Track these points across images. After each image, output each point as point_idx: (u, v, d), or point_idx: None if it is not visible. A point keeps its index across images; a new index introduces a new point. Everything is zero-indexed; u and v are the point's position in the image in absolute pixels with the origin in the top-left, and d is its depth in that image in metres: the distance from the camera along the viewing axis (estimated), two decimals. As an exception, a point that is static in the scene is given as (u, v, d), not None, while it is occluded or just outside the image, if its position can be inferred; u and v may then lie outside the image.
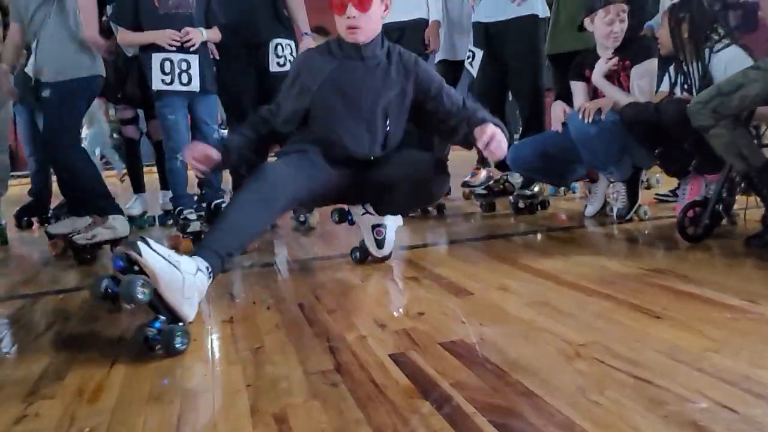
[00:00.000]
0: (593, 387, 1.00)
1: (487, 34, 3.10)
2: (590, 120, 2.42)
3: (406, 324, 1.41)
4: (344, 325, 1.44)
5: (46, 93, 2.48)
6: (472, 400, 0.99)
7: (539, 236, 2.51)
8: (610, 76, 2.58)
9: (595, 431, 0.87)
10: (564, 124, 2.64)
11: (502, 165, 3.17)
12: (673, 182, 2.90)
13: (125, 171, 7.73)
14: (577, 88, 2.72)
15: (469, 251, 2.31)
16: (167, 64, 2.56)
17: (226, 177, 2.95)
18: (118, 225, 2.55)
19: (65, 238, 2.69)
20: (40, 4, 2.47)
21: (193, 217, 2.64)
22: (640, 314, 1.37)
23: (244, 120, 2.04)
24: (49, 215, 3.54)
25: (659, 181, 3.55)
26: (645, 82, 2.51)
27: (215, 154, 1.78)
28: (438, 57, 3.36)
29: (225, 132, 3.37)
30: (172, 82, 2.59)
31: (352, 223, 2.15)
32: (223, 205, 2.67)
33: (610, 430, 0.87)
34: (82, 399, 1.12)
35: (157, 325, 1.32)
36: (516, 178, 3.20)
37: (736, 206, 2.22)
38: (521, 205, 3.02)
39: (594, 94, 2.65)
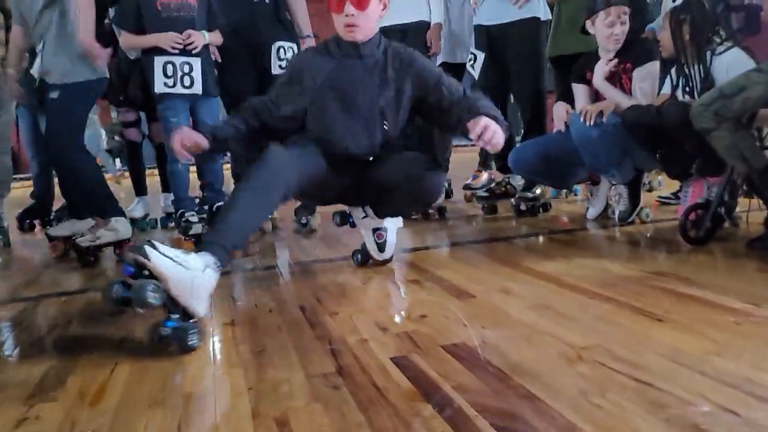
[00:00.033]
0: (595, 390, 1.00)
1: (488, 37, 3.10)
2: (592, 122, 2.42)
3: (408, 327, 1.40)
4: (346, 327, 1.44)
5: (54, 95, 2.47)
6: (473, 403, 0.98)
7: (541, 239, 2.51)
8: (612, 79, 2.58)
9: (597, 435, 0.86)
10: (566, 126, 2.64)
11: (503, 167, 3.18)
12: (675, 185, 2.89)
13: (119, 173, 7.80)
14: (579, 90, 2.72)
15: (470, 254, 2.31)
16: (169, 67, 2.57)
17: (227, 178, 2.95)
18: (120, 227, 2.54)
19: (65, 240, 2.70)
20: (45, 6, 2.47)
21: (194, 219, 2.65)
22: (642, 317, 1.37)
23: None
24: (51, 218, 3.54)
25: (661, 183, 3.55)
26: (647, 85, 2.51)
27: (204, 142, 1.79)
28: (439, 59, 3.37)
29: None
30: (174, 85, 2.61)
31: (353, 225, 2.15)
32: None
33: (612, 433, 0.87)
34: (84, 402, 1.12)
35: (171, 324, 1.35)
36: (518, 181, 3.20)
37: (738, 209, 2.21)
38: (523, 207, 3.02)
39: (596, 96, 2.65)
